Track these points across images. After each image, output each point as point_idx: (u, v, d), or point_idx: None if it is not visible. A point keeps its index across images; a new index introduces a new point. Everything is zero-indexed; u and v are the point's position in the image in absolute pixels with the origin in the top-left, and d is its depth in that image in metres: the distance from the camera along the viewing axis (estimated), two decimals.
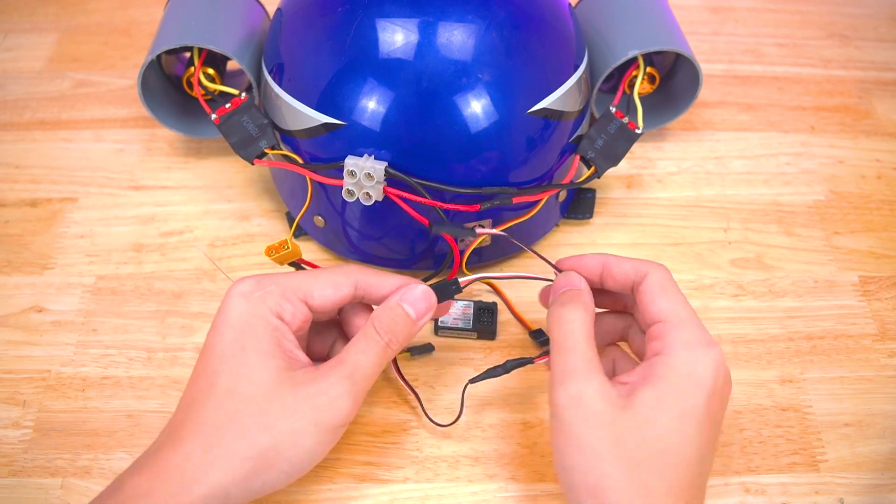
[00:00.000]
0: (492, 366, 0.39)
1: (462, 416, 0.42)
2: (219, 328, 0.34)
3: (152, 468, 0.32)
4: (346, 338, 0.40)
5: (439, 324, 0.45)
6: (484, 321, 0.45)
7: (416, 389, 0.43)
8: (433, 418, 0.41)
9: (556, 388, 0.33)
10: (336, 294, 0.36)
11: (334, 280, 0.36)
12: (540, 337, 0.45)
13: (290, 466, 0.33)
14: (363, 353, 0.35)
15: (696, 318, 0.34)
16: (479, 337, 0.46)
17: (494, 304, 0.46)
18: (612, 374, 0.38)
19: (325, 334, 0.40)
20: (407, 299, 0.36)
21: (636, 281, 0.36)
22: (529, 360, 0.39)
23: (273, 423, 0.32)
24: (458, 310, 0.45)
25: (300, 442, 0.32)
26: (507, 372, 0.39)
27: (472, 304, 0.46)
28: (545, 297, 0.39)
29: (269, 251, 0.44)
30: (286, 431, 0.32)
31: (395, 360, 0.42)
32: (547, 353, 0.40)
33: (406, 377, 0.43)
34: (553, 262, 0.39)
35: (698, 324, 0.34)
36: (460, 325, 0.45)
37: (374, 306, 0.38)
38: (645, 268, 0.36)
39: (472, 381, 0.40)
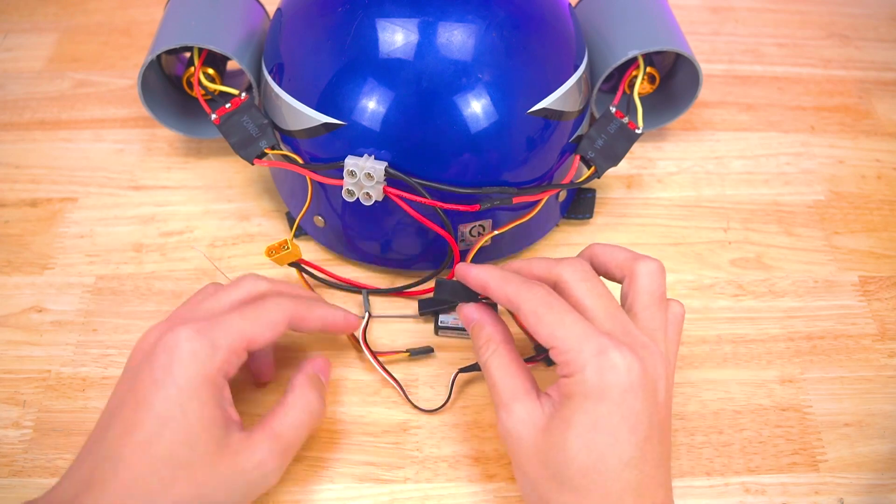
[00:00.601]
0: None
1: (462, 416, 0.42)
2: (162, 384, 0.32)
3: None
4: None
5: (439, 323, 0.45)
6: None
7: (416, 389, 0.43)
8: (416, 403, 0.42)
9: (497, 423, 0.35)
10: (273, 335, 0.36)
11: (272, 321, 0.36)
12: (541, 349, 0.45)
13: None
14: (293, 427, 0.35)
15: (583, 328, 0.33)
16: None
17: (495, 304, 0.45)
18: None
19: None
20: (318, 369, 0.39)
21: (512, 308, 0.36)
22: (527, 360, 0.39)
23: (208, 494, 0.32)
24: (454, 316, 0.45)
25: None
26: None
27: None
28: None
29: (270, 252, 0.44)
30: (223, 502, 0.33)
31: (370, 350, 0.43)
32: (538, 358, 0.42)
33: (405, 376, 0.43)
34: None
35: (584, 336, 0.33)
36: (461, 324, 0.45)
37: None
38: (517, 299, 0.35)
39: (462, 370, 0.42)
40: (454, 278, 0.40)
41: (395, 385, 0.43)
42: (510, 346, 0.37)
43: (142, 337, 0.35)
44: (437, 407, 0.42)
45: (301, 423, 0.36)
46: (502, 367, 0.36)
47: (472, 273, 0.38)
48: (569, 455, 0.32)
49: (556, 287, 0.36)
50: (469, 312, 0.39)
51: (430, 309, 0.44)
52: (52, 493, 0.32)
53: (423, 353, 0.44)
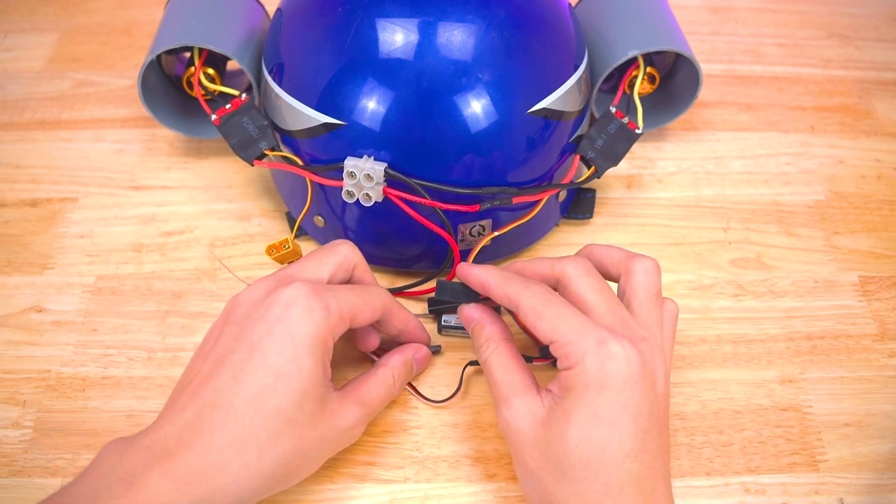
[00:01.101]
0: None
1: (462, 416, 0.42)
2: (278, 338, 0.33)
3: (178, 473, 0.30)
4: None
5: (443, 322, 0.45)
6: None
7: (420, 389, 0.43)
8: (427, 396, 0.43)
9: (497, 419, 0.36)
10: (372, 317, 0.37)
11: (373, 304, 0.37)
12: (546, 354, 0.44)
13: (297, 481, 0.35)
14: (380, 400, 0.38)
15: (583, 321, 0.34)
16: None
17: (498, 306, 0.45)
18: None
19: None
20: (418, 360, 0.42)
21: (512, 307, 0.37)
22: (529, 359, 0.39)
23: (307, 450, 0.34)
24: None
25: (316, 465, 0.35)
26: None
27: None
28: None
29: (270, 250, 0.44)
30: (313, 458, 0.35)
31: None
32: (545, 357, 0.41)
33: (419, 385, 0.43)
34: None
35: (584, 328, 0.33)
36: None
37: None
38: (516, 297, 0.36)
39: (472, 363, 0.43)
40: (455, 278, 0.40)
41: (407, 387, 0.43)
42: (510, 343, 0.38)
43: (247, 289, 0.36)
44: (446, 398, 0.42)
45: (383, 398, 0.38)
46: (502, 364, 0.36)
47: (472, 273, 0.39)
48: (570, 446, 0.32)
49: (558, 284, 0.37)
50: (469, 312, 0.40)
51: (438, 307, 0.44)
52: (155, 433, 0.32)
53: (432, 351, 0.44)
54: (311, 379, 0.33)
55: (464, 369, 0.43)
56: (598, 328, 0.33)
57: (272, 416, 0.32)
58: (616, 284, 0.39)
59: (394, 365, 0.40)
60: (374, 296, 0.38)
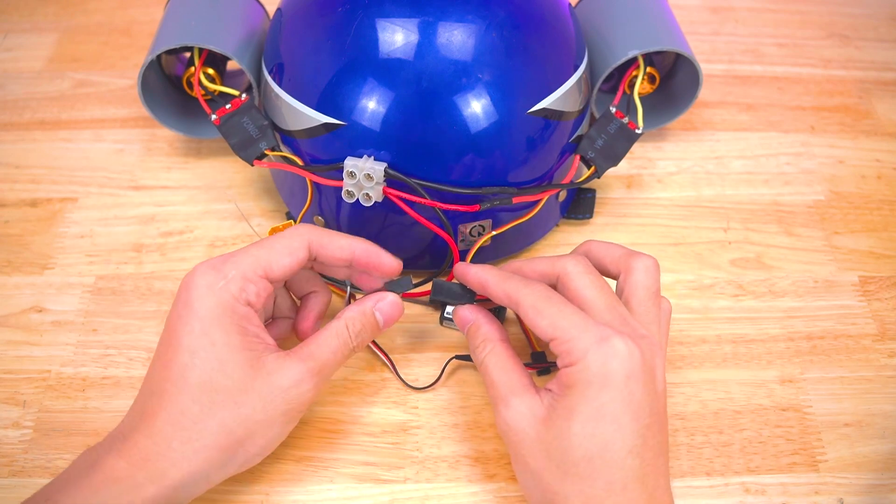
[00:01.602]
0: None
1: (462, 416, 0.42)
2: (185, 319, 0.34)
3: (129, 453, 0.33)
4: (289, 287, 0.42)
5: (445, 314, 0.43)
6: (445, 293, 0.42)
7: (416, 385, 0.43)
8: (407, 381, 0.43)
9: (495, 419, 0.36)
10: (293, 261, 0.36)
11: (289, 247, 0.36)
12: (539, 360, 0.44)
13: (260, 449, 0.35)
14: (332, 354, 0.37)
15: (582, 318, 0.34)
16: None
17: (499, 308, 0.45)
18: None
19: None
20: (380, 308, 0.39)
21: (511, 306, 0.37)
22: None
23: (248, 414, 0.34)
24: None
25: (270, 430, 0.35)
26: None
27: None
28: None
29: (273, 232, 0.45)
30: (259, 421, 0.34)
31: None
32: (537, 363, 0.43)
33: (406, 374, 0.43)
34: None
35: (585, 325, 0.33)
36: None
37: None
38: (516, 295, 0.36)
39: (458, 357, 0.43)
40: (453, 278, 0.40)
41: (386, 362, 0.43)
42: (506, 344, 0.38)
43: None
44: (427, 385, 0.43)
45: (335, 350, 0.37)
46: (500, 364, 0.36)
47: (470, 272, 0.39)
48: (573, 443, 0.32)
49: (558, 282, 0.37)
50: (465, 314, 0.40)
51: (439, 299, 0.43)
52: (117, 428, 0.35)
53: (401, 286, 0.42)
54: (227, 347, 0.34)
55: (448, 362, 0.43)
56: (599, 325, 0.34)
57: (199, 390, 0.33)
58: (615, 282, 0.39)
59: (348, 315, 0.38)
60: (289, 237, 0.37)
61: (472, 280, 0.39)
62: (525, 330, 0.45)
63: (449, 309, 0.43)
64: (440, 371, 0.43)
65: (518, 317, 0.41)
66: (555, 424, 0.33)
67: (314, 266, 0.40)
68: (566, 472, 0.32)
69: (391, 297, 0.39)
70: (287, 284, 0.42)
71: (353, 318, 0.38)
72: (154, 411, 0.33)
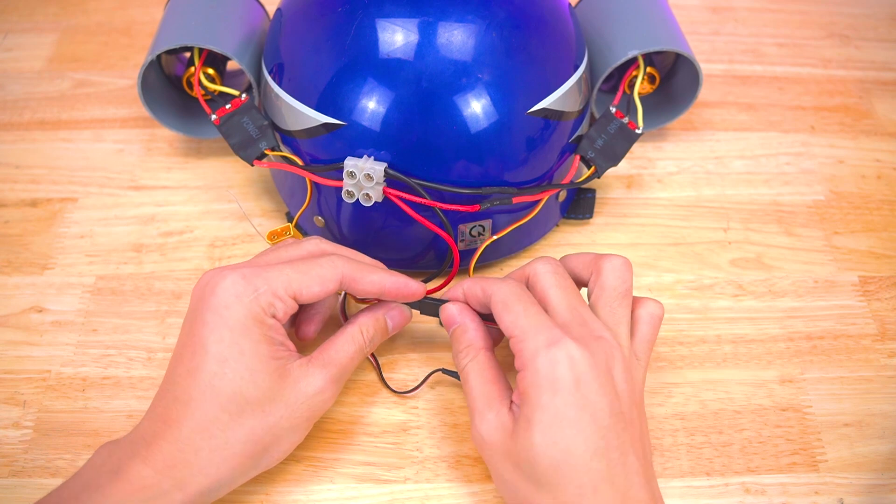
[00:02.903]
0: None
1: (462, 416, 0.42)
2: (213, 327, 0.34)
3: (156, 460, 0.33)
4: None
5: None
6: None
7: (415, 392, 0.43)
8: (392, 386, 0.43)
9: (471, 431, 0.36)
10: (322, 291, 0.37)
11: (323, 277, 0.37)
12: None
13: (282, 454, 0.36)
14: (349, 359, 0.38)
15: (540, 320, 0.34)
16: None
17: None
18: None
19: None
20: (391, 315, 0.40)
21: (486, 304, 0.37)
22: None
23: (276, 422, 0.35)
24: None
25: (294, 435, 0.36)
26: None
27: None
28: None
29: (272, 236, 0.45)
30: (286, 428, 0.35)
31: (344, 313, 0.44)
32: None
33: (405, 376, 0.43)
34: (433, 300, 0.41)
35: (539, 327, 0.34)
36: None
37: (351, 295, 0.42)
38: (489, 289, 0.37)
39: (444, 371, 0.43)
40: (441, 309, 0.40)
41: (373, 363, 0.44)
42: (490, 353, 0.38)
43: (198, 281, 0.37)
44: (408, 390, 0.43)
45: (352, 356, 0.38)
46: (480, 374, 0.36)
47: (449, 295, 0.40)
48: (537, 453, 0.32)
49: (528, 282, 0.38)
50: (451, 314, 0.39)
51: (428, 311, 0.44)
52: (136, 430, 0.35)
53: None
54: (256, 357, 0.34)
55: (431, 373, 0.43)
56: (553, 327, 0.34)
57: (228, 399, 0.34)
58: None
59: (362, 321, 0.39)
60: (323, 267, 0.37)
61: (452, 298, 0.40)
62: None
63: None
64: (422, 379, 0.43)
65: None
66: (519, 436, 0.33)
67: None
68: (538, 483, 0.33)
69: (400, 308, 0.41)
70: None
71: (367, 324, 0.39)
72: (179, 418, 0.34)
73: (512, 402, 0.35)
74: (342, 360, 0.37)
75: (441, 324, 0.44)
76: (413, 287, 0.39)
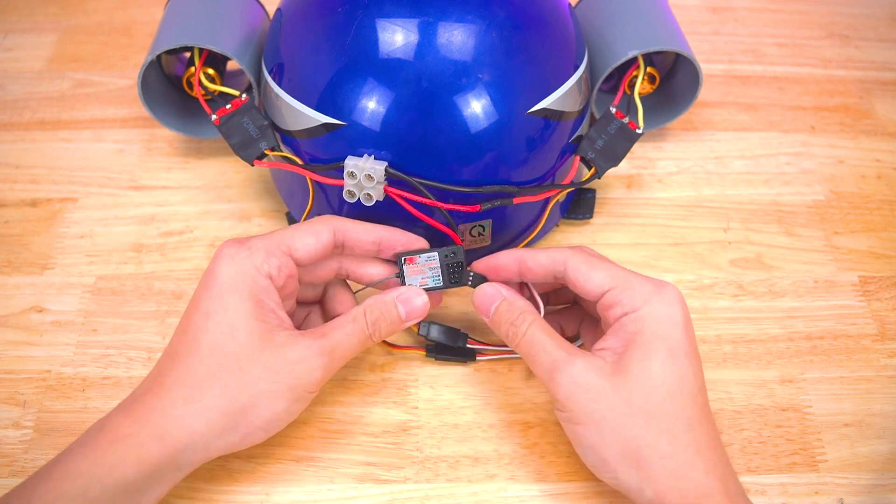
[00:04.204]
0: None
1: (462, 416, 0.42)
2: (207, 285, 0.36)
3: (135, 412, 0.34)
4: (323, 311, 0.43)
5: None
6: (454, 274, 0.40)
7: (416, 388, 0.43)
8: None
9: (552, 385, 0.35)
10: (317, 242, 0.37)
11: (313, 229, 0.37)
12: None
13: (265, 424, 0.35)
14: (346, 336, 0.37)
15: (635, 273, 0.36)
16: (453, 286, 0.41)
17: (459, 247, 0.40)
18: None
19: (305, 306, 0.43)
20: (404, 300, 0.39)
21: (556, 269, 0.38)
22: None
23: (252, 382, 0.34)
24: (422, 267, 0.40)
25: (275, 403, 0.35)
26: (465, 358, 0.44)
27: (436, 255, 0.40)
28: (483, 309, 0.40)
29: None
30: (263, 391, 0.34)
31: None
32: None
33: (405, 376, 0.43)
34: (469, 269, 0.40)
35: (640, 276, 0.36)
36: (430, 283, 0.40)
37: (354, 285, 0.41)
38: (561, 255, 0.37)
39: (431, 354, 0.44)
40: (478, 289, 0.39)
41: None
42: (541, 317, 0.38)
43: None
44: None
45: (350, 333, 0.37)
46: (548, 332, 0.36)
47: (499, 258, 0.39)
48: (655, 383, 0.33)
49: (566, 269, 0.38)
50: (490, 292, 0.39)
51: (437, 353, 0.44)
52: (135, 390, 0.36)
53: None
54: (240, 313, 0.35)
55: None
56: (647, 277, 0.36)
57: (207, 352, 0.34)
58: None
59: (368, 302, 0.38)
60: (316, 222, 0.38)
61: (503, 261, 0.39)
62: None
63: (410, 279, 0.40)
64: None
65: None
66: (631, 371, 0.34)
67: (346, 266, 0.41)
68: (651, 414, 0.33)
69: (415, 289, 0.39)
70: (323, 302, 0.43)
71: (372, 306, 0.38)
72: (165, 372, 0.35)
73: (598, 349, 0.35)
74: (337, 336, 0.36)
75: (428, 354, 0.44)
76: (414, 238, 0.40)
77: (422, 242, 0.40)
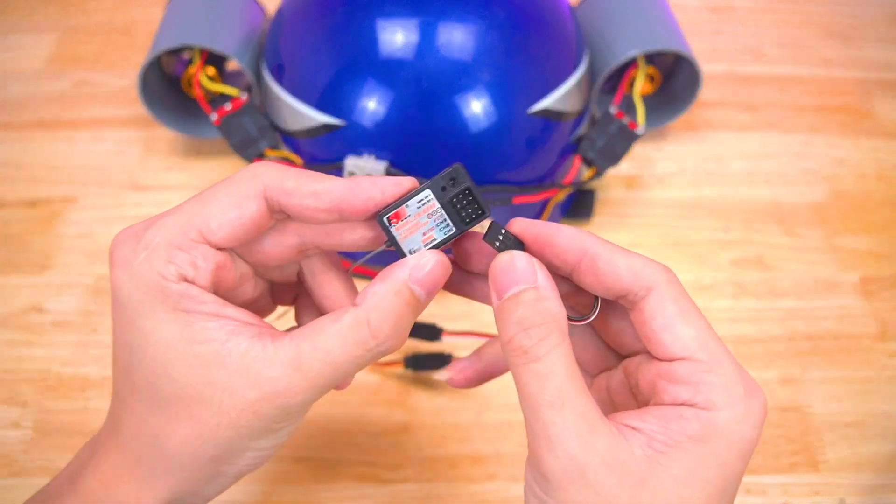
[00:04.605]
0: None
1: (462, 416, 0.42)
2: (113, 303, 0.25)
3: (105, 471, 0.26)
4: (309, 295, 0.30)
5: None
6: (466, 208, 0.26)
7: (416, 389, 0.43)
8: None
9: (544, 454, 0.23)
10: (242, 215, 0.25)
11: (235, 195, 0.25)
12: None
13: (253, 461, 0.27)
14: (343, 357, 0.25)
15: (725, 349, 0.25)
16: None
17: (458, 166, 0.26)
18: (607, 405, 0.28)
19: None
20: (419, 280, 0.25)
21: (634, 292, 0.25)
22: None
23: (213, 432, 0.25)
24: (416, 218, 0.26)
25: (249, 450, 0.26)
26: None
27: (428, 193, 0.26)
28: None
29: None
30: (231, 438, 0.25)
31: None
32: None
33: (402, 380, 0.43)
34: (499, 228, 0.26)
35: (732, 359, 0.25)
36: (438, 237, 0.26)
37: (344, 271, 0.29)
38: (648, 276, 0.25)
39: (412, 364, 0.42)
40: (504, 256, 0.25)
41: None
42: (569, 341, 0.24)
43: None
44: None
45: (347, 351, 0.25)
46: (571, 377, 0.24)
47: (558, 237, 0.26)
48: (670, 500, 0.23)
49: (642, 291, 0.25)
50: (524, 267, 0.25)
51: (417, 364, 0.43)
52: (104, 423, 0.28)
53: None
54: (163, 343, 0.24)
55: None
56: (741, 366, 0.25)
57: (147, 397, 0.25)
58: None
59: (371, 304, 0.25)
60: (237, 182, 0.25)
61: (564, 245, 0.26)
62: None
63: (409, 241, 0.27)
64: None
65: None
66: (663, 489, 0.23)
67: (309, 236, 0.27)
68: None
69: (429, 257, 0.26)
70: (313, 293, 0.30)
71: (380, 309, 0.25)
72: (118, 416, 0.26)
73: (628, 426, 0.24)
74: (322, 370, 0.25)
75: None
76: (390, 184, 0.26)
77: (406, 183, 0.26)
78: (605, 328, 0.28)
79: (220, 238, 0.25)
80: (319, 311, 0.30)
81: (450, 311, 0.46)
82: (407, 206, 0.26)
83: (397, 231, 0.26)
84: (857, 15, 0.70)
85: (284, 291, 0.31)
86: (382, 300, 0.25)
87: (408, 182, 0.26)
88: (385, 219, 0.26)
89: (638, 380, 0.26)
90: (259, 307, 0.30)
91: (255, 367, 0.25)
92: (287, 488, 0.39)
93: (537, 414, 0.24)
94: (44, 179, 0.54)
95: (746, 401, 0.24)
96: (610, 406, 0.28)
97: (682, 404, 0.24)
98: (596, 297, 0.27)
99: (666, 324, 0.25)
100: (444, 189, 0.26)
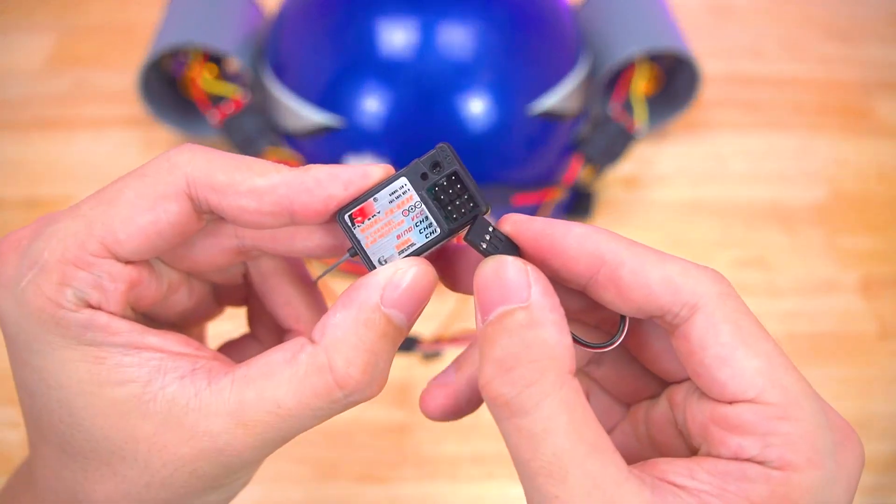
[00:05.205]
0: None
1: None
2: (6, 344, 0.20)
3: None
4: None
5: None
6: (453, 202, 0.20)
7: (416, 389, 0.43)
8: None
9: None
10: (158, 220, 0.19)
11: (146, 197, 0.19)
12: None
13: None
14: (298, 411, 0.19)
15: (805, 382, 0.20)
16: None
17: (443, 147, 0.21)
18: (645, 444, 0.22)
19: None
20: (393, 301, 0.19)
21: (674, 312, 0.19)
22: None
23: (139, 492, 0.20)
24: (388, 217, 0.20)
25: (214, 495, 0.21)
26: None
27: (404, 182, 0.20)
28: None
29: None
30: (167, 500, 0.20)
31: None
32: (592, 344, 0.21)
33: (405, 378, 0.43)
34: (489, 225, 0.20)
35: (816, 397, 0.20)
36: (417, 241, 0.20)
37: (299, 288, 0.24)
38: (691, 290, 0.19)
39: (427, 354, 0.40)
40: (503, 229, 0.21)
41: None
42: (573, 381, 0.18)
43: None
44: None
45: (301, 405, 0.19)
46: (579, 425, 0.18)
47: (567, 239, 0.21)
48: None
49: (683, 308, 0.19)
50: (516, 279, 0.19)
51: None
52: (24, 462, 0.24)
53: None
54: (67, 388, 0.19)
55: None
56: (827, 408, 0.20)
57: (59, 448, 0.20)
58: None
59: (332, 337, 0.19)
60: (150, 175, 0.19)
61: (574, 247, 0.21)
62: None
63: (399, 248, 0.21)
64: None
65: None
66: None
67: (249, 239, 0.22)
68: None
69: (406, 268, 0.19)
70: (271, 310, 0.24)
71: (346, 347, 0.19)
72: (32, 465, 0.22)
73: (682, 485, 0.18)
74: (277, 408, 0.19)
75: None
76: (357, 175, 0.19)
77: (378, 173, 0.20)
78: (643, 349, 0.21)
79: (130, 250, 0.19)
80: (276, 321, 0.24)
81: (431, 309, 0.45)
82: (376, 199, 0.20)
83: (363, 234, 0.20)
84: (857, 15, 0.70)
85: (231, 292, 0.25)
86: (348, 335, 0.19)
87: (380, 171, 0.20)
88: (346, 217, 0.20)
89: (686, 418, 0.20)
90: (200, 314, 0.24)
91: (188, 418, 0.19)
92: (287, 488, 0.39)
93: (533, 483, 0.18)
94: (43, 179, 0.54)
95: (836, 456, 0.19)
96: (648, 445, 0.22)
97: (746, 461, 0.18)
98: (623, 316, 0.20)
99: (721, 355, 0.19)
100: (424, 177, 0.20)
